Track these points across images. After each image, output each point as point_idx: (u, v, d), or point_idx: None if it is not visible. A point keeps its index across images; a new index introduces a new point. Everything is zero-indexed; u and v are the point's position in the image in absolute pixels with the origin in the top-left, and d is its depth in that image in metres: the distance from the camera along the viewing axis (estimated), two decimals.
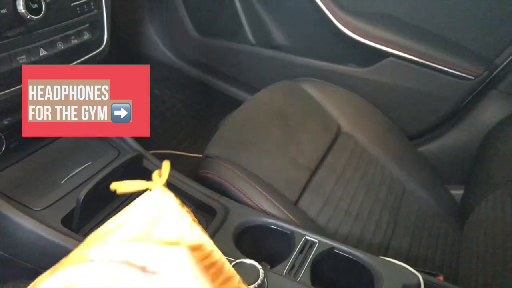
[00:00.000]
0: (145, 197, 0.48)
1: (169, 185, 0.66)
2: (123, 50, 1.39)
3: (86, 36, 0.62)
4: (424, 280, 0.54)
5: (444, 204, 1.01)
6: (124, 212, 0.47)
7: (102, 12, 0.65)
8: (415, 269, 0.63)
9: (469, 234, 0.87)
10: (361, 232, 0.81)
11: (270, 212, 0.68)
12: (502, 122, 0.99)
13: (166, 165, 0.49)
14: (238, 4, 1.26)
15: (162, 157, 1.05)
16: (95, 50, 0.66)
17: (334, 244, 0.58)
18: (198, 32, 1.31)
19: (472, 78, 1.03)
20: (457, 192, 1.08)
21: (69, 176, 0.62)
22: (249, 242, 0.61)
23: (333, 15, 1.11)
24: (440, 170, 1.11)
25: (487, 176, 0.94)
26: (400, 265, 0.56)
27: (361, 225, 0.82)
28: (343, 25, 1.10)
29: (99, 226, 0.46)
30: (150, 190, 0.48)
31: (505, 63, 1.04)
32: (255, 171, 0.77)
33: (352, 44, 1.11)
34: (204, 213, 0.63)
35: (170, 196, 0.48)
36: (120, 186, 0.48)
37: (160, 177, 0.48)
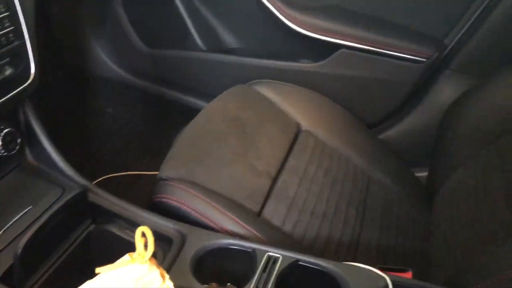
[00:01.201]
0: (130, 273, 0.45)
1: (120, 217, 0.63)
2: (70, 72, 1.34)
3: (8, 71, 0.58)
4: (392, 281, 0.53)
5: (411, 189, 1.00)
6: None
7: (24, 43, 0.60)
8: (383, 268, 0.62)
9: (436, 217, 0.87)
10: (329, 231, 0.80)
11: (232, 231, 0.66)
12: (457, 100, 0.99)
13: (148, 233, 0.46)
14: (183, 12, 1.23)
15: (120, 180, 1.02)
16: (22, 85, 0.61)
17: (298, 256, 0.56)
18: (146, 44, 1.27)
19: (424, 60, 1.03)
20: (423, 175, 1.09)
21: (7, 225, 0.58)
22: (212, 266, 0.59)
23: (280, 12, 1.08)
24: (404, 155, 1.11)
25: (448, 156, 0.94)
26: (367, 269, 0.54)
27: (328, 224, 0.81)
28: (291, 21, 1.08)
29: (45, 278, 0.43)
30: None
31: (454, 42, 1.04)
32: (214, 187, 0.74)
33: (302, 39, 1.09)
34: (161, 244, 0.60)
35: (156, 273, 0.46)
36: (105, 268, 0.46)
37: (144, 247, 0.46)
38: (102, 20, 1.29)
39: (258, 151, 0.86)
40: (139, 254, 0.45)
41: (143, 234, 0.46)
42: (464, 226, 0.75)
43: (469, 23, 1.01)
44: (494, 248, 0.63)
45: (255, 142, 0.88)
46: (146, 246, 0.47)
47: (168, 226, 0.61)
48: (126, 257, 0.47)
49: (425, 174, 1.08)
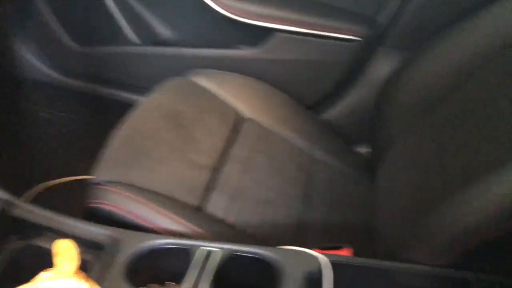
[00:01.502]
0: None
1: (49, 230, 0.60)
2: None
3: None
4: (329, 260, 0.53)
5: (354, 165, 1.02)
6: None
7: None
8: (323, 247, 0.62)
9: (378, 190, 0.89)
10: (273, 217, 0.80)
11: (170, 229, 0.64)
12: (392, 76, 1.01)
13: (67, 246, 0.43)
14: (112, 6, 1.17)
15: (59, 186, 0.97)
16: None
17: (234, 247, 0.55)
18: (76, 42, 1.21)
19: (359, 39, 1.04)
20: (366, 151, 1.11)
21: None
22: (150, 269, 0.57)
23: (214, 1, 1.06)
24: (346, 133, 1.13)
25: (386, 130, 0.96)
26: (302, 251, 0.54)
27: (273, 210, 0.81)
28: (223, 8, 1.05)
29: None
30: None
31: (386, 19, 1.05)
32: (151, 186, 0.72)
33: (237, 26, 1.07)
34: (96, 252, 0.57)
35: (85, 287, 0.43)
36: None
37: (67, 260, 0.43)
38: (25, 19, 1.21)
39: (197, 144, 0.85)
40: (58, 270, 0.43)
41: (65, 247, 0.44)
42: (402, 197, 0.77)
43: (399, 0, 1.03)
44: (427, 215, 0.64)
45: (194, 136, 0.86)
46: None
47: (100, 232, 0.58)
48: (46, 273, 0.44)
49: (368, 150, 1.10)
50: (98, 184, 0.70)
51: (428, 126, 0.84)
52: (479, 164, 0.62)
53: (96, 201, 0.67)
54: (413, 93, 0.93)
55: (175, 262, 0.58)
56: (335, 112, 1.12)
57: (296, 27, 1.04)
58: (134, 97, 1.22)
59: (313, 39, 1.04)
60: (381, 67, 1.07)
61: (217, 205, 0.76)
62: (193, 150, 0.83)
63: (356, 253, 0.80)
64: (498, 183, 0.53)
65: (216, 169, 0.82)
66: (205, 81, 1.01)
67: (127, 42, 1.20)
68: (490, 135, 0.66)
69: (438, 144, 0.77)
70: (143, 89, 1.20)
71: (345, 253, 0.60)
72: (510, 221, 0.49)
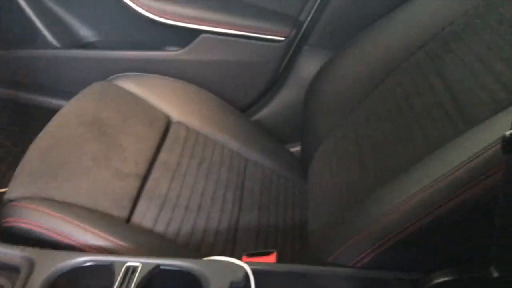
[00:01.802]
0: None
1: None
2: None
3: None
4: (252, 269, 0.54)
5: (287, 164, 1.04)
6: None
7: None
8: (249, 254, 0.63)
9: (310, 188, 0.92)
10: (206, 223, 0.79)
11: (94, 245, 0.62)
12: (316, 74, 1.03)
13: None
14: (27, 9, 1.10)
15: None
16: None
17: (158, 261, 0.55)
18: None
19: (283, 39, 1.05)
20: (298, 149, 1.13)
21: None
22: None
23: (134, 2, 1.03)
24: (278, 133, 1.14)
25: (314, 128, 0.99)
26: (226, 261, 0.55)
27: (205, 216, 0.80)
28: (144, 9, 1.03)
29: None
30: None
31: (308, 18, 1.07)
32: (72, 199, 0.69)
33: (162, 28, 1.05)
34: (11, 275, 0.54)
35: None
36: None
37: None
38: None
39: (123, 152, 0.82)
40: None
41: None
42: (328, 197, 0.80)
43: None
44: (350, 216, 0.67)
45: (119, 143, 0.84)
46: None
47: (16, 254, 0.55)
48: None
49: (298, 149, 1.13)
50: (12, 201, 0.66)
51: (350, 125, 0.87)
52: (395, 163, 0.66)
53: (10, 219, 0.63)
54: (337, 91, 0.96)
55: (98, 280, 0.56)
56: (266, 112, 1.14)
57: (221, 28, 1.04)
58: (60, 102, 1.16)
59: (239, 39, 1.05)
60: (308, 66, 1.10)
61: (145, 216, 0.74)
62: (119, 158, 0.80)
63: (287, 257, 0.82)
64: (411, 181, 0.56)
65: (143, 177, 0.81)
66: (131, 85, 0.99)
67: (46, 45, 1.13)
68: (405, 134, 0.70)
69: (358, 144, 0.80)
70: (68, 93, 1.15)
71: (272, 259, 0.61)
72: (424, 217, 0.52)
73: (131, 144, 0.85)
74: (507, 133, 0.38)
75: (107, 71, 1.06)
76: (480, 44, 0.68)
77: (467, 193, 0.49)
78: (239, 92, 1.12)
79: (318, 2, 1.05)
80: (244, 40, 1.04)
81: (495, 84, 0.60)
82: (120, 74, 1.03)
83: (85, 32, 1.17)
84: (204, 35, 1.04)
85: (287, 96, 1.12)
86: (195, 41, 1.05)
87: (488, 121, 0.53)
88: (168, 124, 0.95)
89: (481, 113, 0.58)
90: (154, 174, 0.83)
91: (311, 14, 1.07)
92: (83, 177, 0.74)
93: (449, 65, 0.71)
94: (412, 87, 0.77)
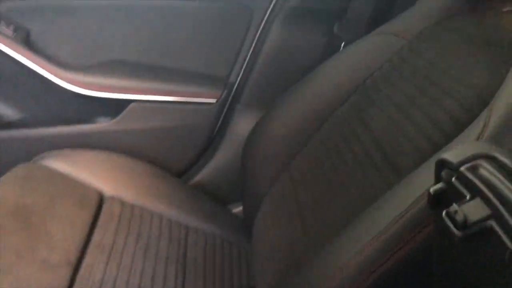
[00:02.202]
0: None
1: None
2: None
3: None
4: None
5: (229, 228, 1.01)
6: None
7: None
8: None
9: (255, 252, 0.89)
10: None
11: None
12: (251, 133, 1.03)
13: None
14: None
15: None
16: None
17: None
18: None
19: (215, 101, 1.06)
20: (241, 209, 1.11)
21: None
22: None
23: (58, 77, 1.00)
24: (219, 194, 1.12)
25: (253, 187, 0.97)
26: None
27: None
28: (73, 84, 1.00)
29: None
30: None
31: (238, 79, 1.09)
32: None
33: (89, 100, 1.02)
34: None
35: None
36: None
37: None
38: None
39: (51, 240, 0.76)
40: None
41: None
42: (272, 258, 0.77)
43: (246, 60, 1.08)
44: (294, 278, 0.65)
45: (46, 230, 0.77)
46: None
47: None
48: None
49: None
50: None
51: (288, 181, 0.87)
52: (334, 220, 0.65)
53: None
54: (272, 148, 0.96)
55: None
56: (204, 174, 1.12)
57: (151, 95, 1.03)
58: None
59: (170, 105, 1.04)
60: (242, 125, 1.10)
61: None
62: (46, 247, 0.74)
63: None
64: (350, 241, 0.55)
65: (75, 265, 0.74)
66: (58, 163, 0.93)
67: None
68: (339, 188, 0.70)
69: (297, 201, 0.79)
70: None
71: None
72: (367, 279, 0.51)
73: (60, 229, 0.79)
74: (431, 189, 0.38)
75: (33, 150, 1.00)
76: (398, 95, 0.71)
77: (404, 248, 0.49)
78: (174, 157, 1.09)
79: (246, 63, 1.07)
80: (176, 105, 1.04)
81: (416, 133, 0.62)
82: (46, 153, 0.97)
83: (6, 111, 1.10)
84: (134, 104, 1.02)
85: (224, 156, 1.11)
86: (125, 111, 1.03)
87: (415, 172, 0.54)
88: (100, 200, 0.90)
89: (407, 163, 0.59)
90: (87, 260, 0.77)
91: (240, 75, 1.08)
92: (4, 277, 0.66)
93: (373, 116, 0.74)
94: (342, 140, 0.78)
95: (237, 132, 1.10)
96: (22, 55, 0.94)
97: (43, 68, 0.97)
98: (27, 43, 0.96)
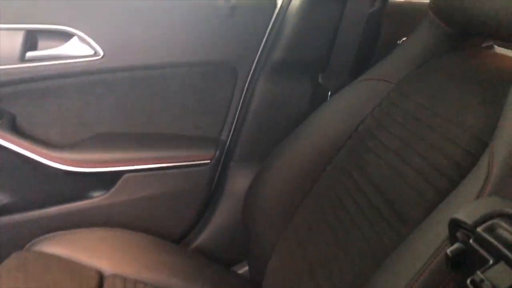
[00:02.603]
0: None
1: None
2: None
3: None
4: None
5: None
6: None
7: None
8: None
9: None
10: None
11: None
12: (249, 189, 1.01)
13: None
14: None
15: None
16: None
17: None
18: None
19: (208, 162, 1.04)
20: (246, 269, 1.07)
21: None
22: None
23: (47, 159, 0.98)
24: (222, 256, 1.08)
25: (258, 244, 0.94)
26: None
27: None
28: (63, 163, 0.98)
29: None
30: None
31: (230, 137, 1.09)
32: None
33: (82, 176, 1.00)
34: None
35: None
36: None
37: None
38: None
39: None
40: None
41: None
42: None
43: (236, 117, 1.08)
44: None
45: None
46: None
47: None
48: None
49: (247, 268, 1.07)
50: None
51: (294, 236, 0.85)
52: (346, 280, 0.62)
53: None
54: (273, 202, 0.94)
55: None
56: (204, 237, 1.08)
57: (144, 164, 1.01)
58: None
59: (164, 172, 1.02)
60: (238, 182, 1.09)
61: None
62: None
63: None
64: None
65: None
66: (54, 247, 0.90)
67: None
68: (347, 242, 0.68)
69: (305, 258, 0.77)
70: None
71: None
72: None
73: None
74: (449, 251, 0.36)
75: (26, 236, 0.97)
76: (394, 140, 0.70)
77: None
78: (172, 223, 1.07)
79: (236, 120, 1.07)
80: (170, 170, 1.02)
81: (418, 179, 0.61)
82: (40, 238, 0.94)
83: None
84: (127, 175, 1.01)
85: (223, 216, 1.09)
86: (119, 183, 1.01)
87: (425, 223, 0.52)
88: (101, 280, 0.86)
89: (414, 213, 0.57)
90: None
91: (231, 132, 1.08)
92: None
93: (371, 163, 0.73)
94: (343, 191, 0.77)
95: (234, 190, 1.08)
96: (9, 141, 0.93)
97: (32, 152, 0.95)
98: (14, 128, 0.95)
